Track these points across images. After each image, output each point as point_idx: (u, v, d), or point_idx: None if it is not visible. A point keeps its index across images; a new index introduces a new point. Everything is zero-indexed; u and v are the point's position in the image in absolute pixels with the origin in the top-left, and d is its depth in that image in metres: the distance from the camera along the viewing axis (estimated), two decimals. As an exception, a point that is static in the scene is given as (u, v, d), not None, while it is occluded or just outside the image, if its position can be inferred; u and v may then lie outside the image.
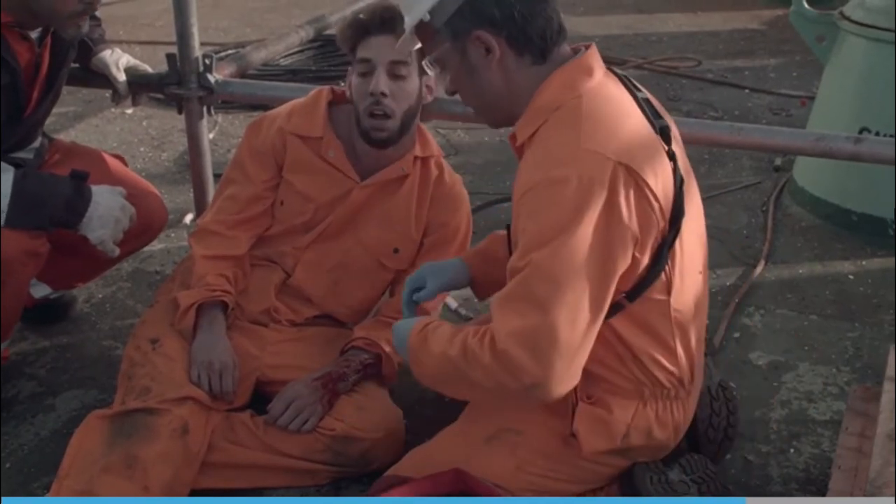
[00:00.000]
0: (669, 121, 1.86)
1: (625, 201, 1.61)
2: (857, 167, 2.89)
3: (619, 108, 1.72)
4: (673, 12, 6.75)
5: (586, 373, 1.84)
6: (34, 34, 2.29)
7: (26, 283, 2.36)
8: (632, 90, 1.79)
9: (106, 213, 2.26)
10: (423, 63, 1.82)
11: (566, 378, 1.65)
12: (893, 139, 2.41)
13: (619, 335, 1.79)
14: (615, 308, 1.72)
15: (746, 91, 5.05)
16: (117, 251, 2.30)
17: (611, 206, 1.60)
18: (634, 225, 1.64)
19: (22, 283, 2.32)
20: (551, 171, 1.62)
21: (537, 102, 1.73)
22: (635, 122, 1.72)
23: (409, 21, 1.77)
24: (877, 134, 3.26)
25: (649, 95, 1.85)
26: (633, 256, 1.67)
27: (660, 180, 1.68)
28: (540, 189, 1.63)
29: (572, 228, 1.59)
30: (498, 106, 1.80)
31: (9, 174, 2.17)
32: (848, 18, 3.38)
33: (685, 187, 1.77)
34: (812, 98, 4.21)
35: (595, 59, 1.77)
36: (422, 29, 1.77)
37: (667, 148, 1.75)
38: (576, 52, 1.79)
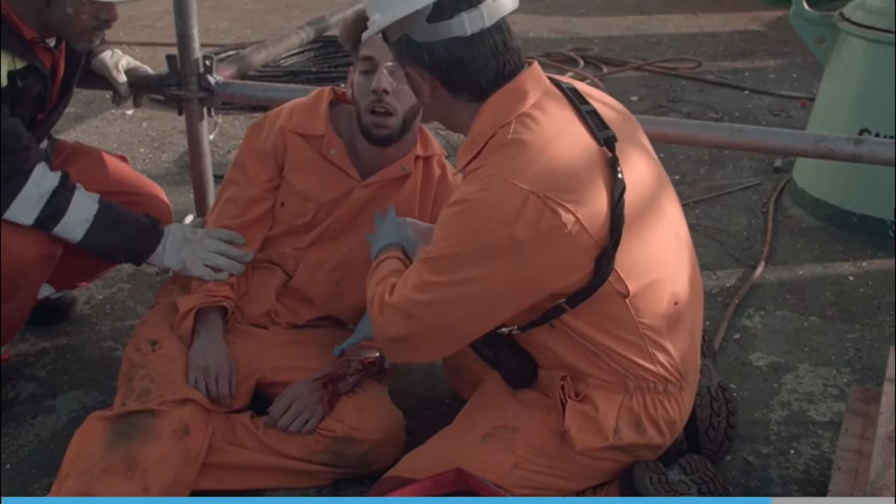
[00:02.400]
0: (631, 122, 1.95)
1: (528, 229, 1.67)
2: (857, 168, 2.90)
3: (547, 132, 1.74)
4: (673, 14, 6.75)
5: (571, 369, 1.88)
6: (51, 41, 2.33)
7: (39, 286, 2.39)
8: (576, 104, 1.82)
9: (175, 239, 2.32)
10: (383, 66, 1.99)
11: (424, 347, 1.88)
12: (893, 140, 2.41)
13: (581, 334, 1.83)
14: (558, 310, 1.80)
15: (746, 92, 5.05)
16: (222, 276, 2.30)
17: (510, 233, 1.68)
18: (540, 251, 1.69)
19: (35, 286, 2.35)
20: (470, 195, 1.73)
21: (474, 131, 1.80)
22: (563, 144, 1.74)
23: (364, 36, 1.92)
24: (877, 135, 3.26)
25: (600, 103, 1.88)
26: (552, 275, 1.73)
27: (587, 197, 1.71)
28: (457, 204, 1.75)
29: (469, 243, 1.71)
30: (445, 120, 1.90)
31: (92, 198, 2.26)
32: (848, 20, 3.38)
33: (639, 189, 1.80)
34: (812, 99, 4.22)
35: (530, 80, 1.79)
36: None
37: (610, 155, 1.77)
38: (523, 66, 1.82)
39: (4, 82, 2.18)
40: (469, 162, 1.80)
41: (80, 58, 2.48)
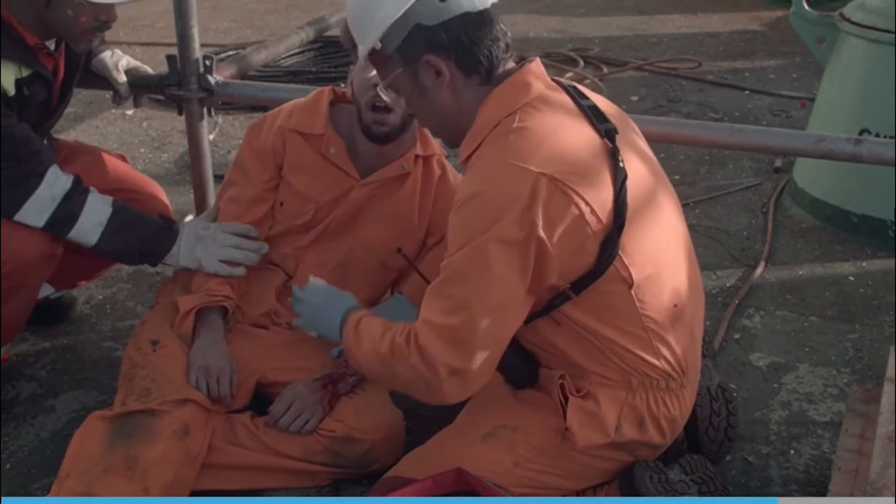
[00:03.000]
0: (626, 121, 1.96)
1: (543, 211, 1.67)
2: (857, 168, 2.89)
3: (551, 121, 1.77)
4: (673, 14, 6.75)
5: (575, 366, 1.88)
6: (51, 44, 2.34)
7: (40, 286, 2.40)
8: (576, 99, 1.85)
9: (188, 237, 2.33)
10: (378, 89, 1.90)
11: (480, 370, 1.77)
12: (893, 140, 2.41)
13: (587, 328, 1.83)
14: (562, 297, 1.79)
15: (746, 92, 5.05)
16: (238, 271, 2.31)
17: (528, 217, 1.67)
18: (555, 233, 1.69)
19: (37, 286, 2.37)
20: (478, 186, 1.73)
21: (479, 121, 1.81)
22: (567, 132, 1.77)
23: (363, 50, 1.84)
24: (877, 135, 3.26)
25: (598, 102, 1.90)
26: (562, 259, 1.72)
27: (594, 182, 1.73)
28: (467, 201, 1.73)
29: (488, 235, 1.68)
30: (451, 125, 1.88)
31: (105, 201, 2.28)
32: (848, 20, 3.39)
33: (638, 182, 1.81)
34: (812, 99, 4.22)
35: (533, 73, 1.82)
36: (375, 56, 1.84)
37: (610, 146, 1.79)
38: (522, 65, 1.85)
39: (12, 91, 2.20)
40: (472, 153, 1.81)
41: (80, 59, 2.49)
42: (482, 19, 1.76)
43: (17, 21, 2.21)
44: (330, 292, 2.02)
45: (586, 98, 1.87)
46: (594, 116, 1.83)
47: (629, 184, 1.77)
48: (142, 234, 2.32)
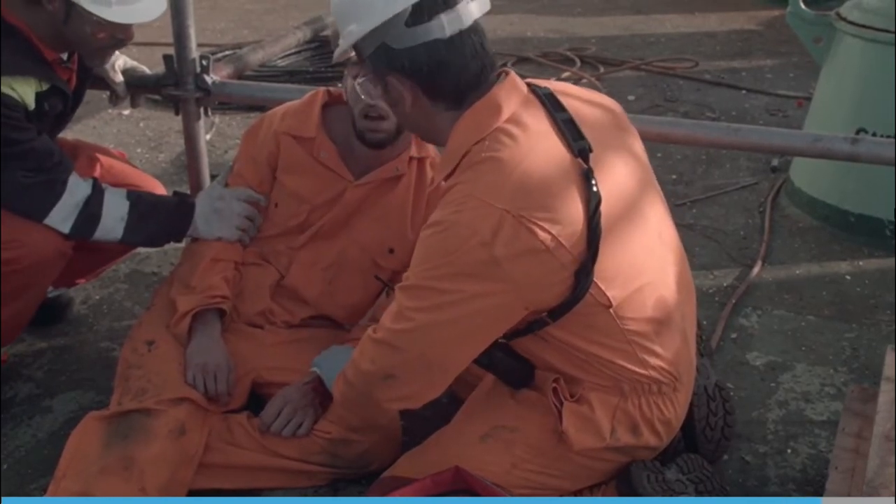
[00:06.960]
0: (618, 122, 1.93)
1: (505, 248, 1.65)
2: (855, 168, 2.90)
3: (521, 148, 1.72)
4: (670, 13, 6.75)
5: (565, 374, 1.88)
6: (64, 55, 2.36)
7: (48, 284, 2.43)
8: (552, 113, 1.80)
9: (205, 210, 2.36)
10: (356, 83, 1.89)
11: (413, 379, 1.81)
12: (891, 139, 2.41)
13: (570, 345, 1.83)
14: (541, 323, 1.79)
15: (743, 92, 5.05)
16: (245, 236, 2.39)
17: (487, 251, 1.66)
18: (519, 269, 1.67)
19: (47, 284, 2.40)
20: (444, 215, 1.72)
21: (450, 145, 1.79)
22: (537, 160, 1.72)
23: (337, 52, 1.85)
24: (874, 134, 3.26)
25: (580, 108, 1.85)
26: (531, 293, 1.72)
27: (563, 214, 1.69)
28: (431, 226, 1.74)
29: (445, 260, 1.70)
30: (425, 134, 1.89)
31: (121, 194, 2.31)
32: (845, 19, 3.39)
33: (617, 197, 1.78)
34: (809, 99, 4.22)
35: (504, 92, 1.76)
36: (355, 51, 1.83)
37: (585, 167, 1.75)
38: (499, 75, 1.80)
39: (33, 105, 2.22)
40: (447, 177, 1.80)
41: (90, 69, 2.51)
42: (451, 47, 1.70)
43: (37, 36, 2.24)
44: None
45: (562, 110, 1.81)
46: (569, 133, 1.77)
47: (606, 203, 1.73)
48: (162, 216, 2.37)
